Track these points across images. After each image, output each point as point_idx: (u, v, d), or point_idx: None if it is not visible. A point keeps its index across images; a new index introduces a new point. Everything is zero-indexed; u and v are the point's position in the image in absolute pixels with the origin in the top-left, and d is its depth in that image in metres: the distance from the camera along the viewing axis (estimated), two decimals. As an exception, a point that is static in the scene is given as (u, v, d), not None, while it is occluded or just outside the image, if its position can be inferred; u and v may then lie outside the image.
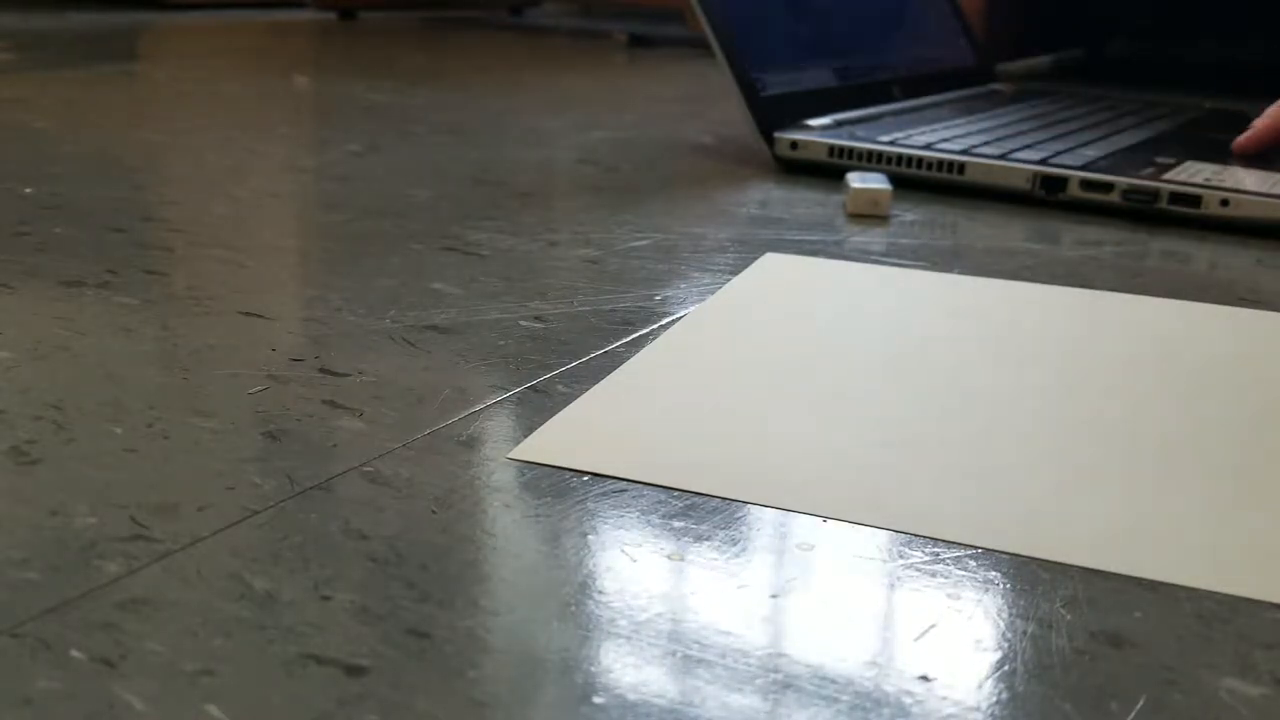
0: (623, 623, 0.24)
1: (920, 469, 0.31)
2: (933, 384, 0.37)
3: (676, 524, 0.28)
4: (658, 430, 0.33)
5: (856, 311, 0.44)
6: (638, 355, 0.38)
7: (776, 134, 0.72)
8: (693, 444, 0.32)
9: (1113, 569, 0.27)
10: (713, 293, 0.46)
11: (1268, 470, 0.32)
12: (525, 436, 0.32)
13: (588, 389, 0.36)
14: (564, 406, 0.34)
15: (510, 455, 0.31)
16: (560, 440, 0.32)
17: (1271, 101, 0.77)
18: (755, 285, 0.47)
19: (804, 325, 0.42)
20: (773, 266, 0.50)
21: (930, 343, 0.41)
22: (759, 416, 0.34)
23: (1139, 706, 0.22)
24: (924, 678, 0.23)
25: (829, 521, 0.28)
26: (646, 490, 0.29)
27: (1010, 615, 0.25)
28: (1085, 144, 0.75)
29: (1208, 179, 0.65)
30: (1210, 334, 0.44)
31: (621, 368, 0.37)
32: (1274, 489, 0.31)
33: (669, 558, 0.26)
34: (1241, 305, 0.48)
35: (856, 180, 0.62)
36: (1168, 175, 0.66)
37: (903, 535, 0.28)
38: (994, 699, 0.22)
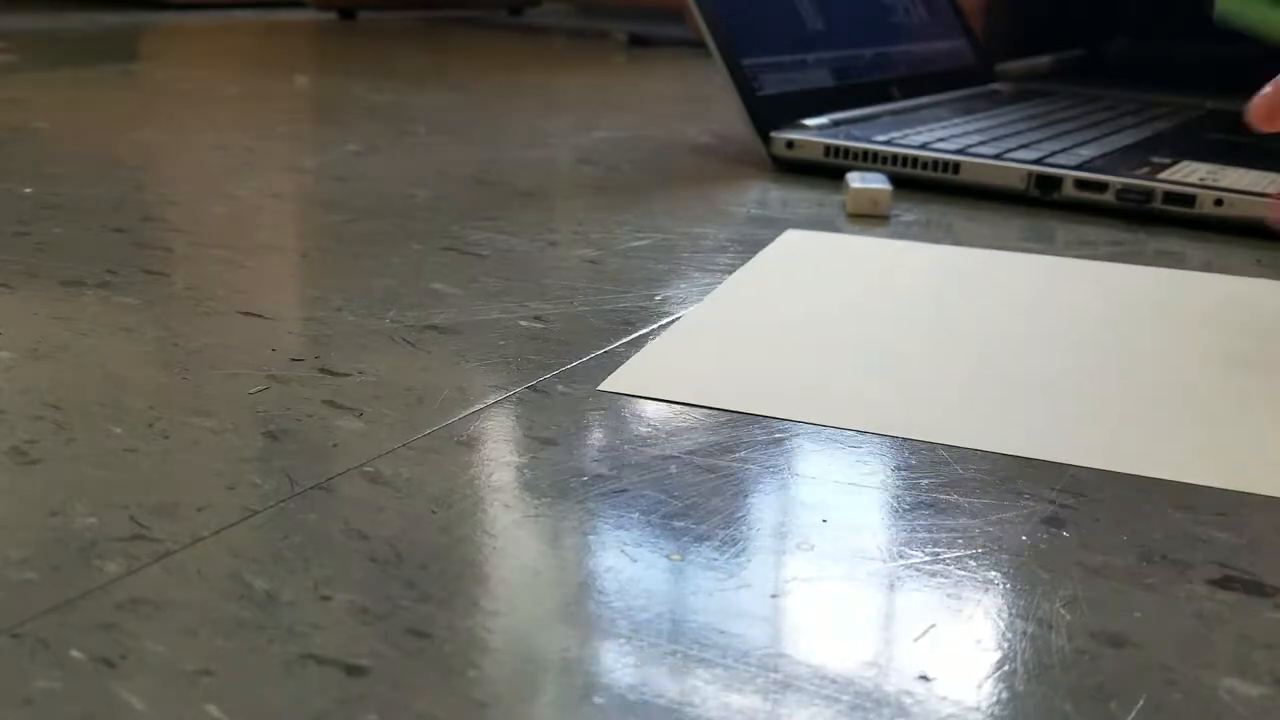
0: (623, 623, 0.24)
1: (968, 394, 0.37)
2: (962, 333, 0.43)
3: (676, 524, 0.28)
4: (731, 368, 0.38)
5: (872, 273, 0.49)
6: (687, 313, 0.42)
7: (773, 133, 0.72)
8: (764, 379, 0.37)
9: (1105, 467, 0.32)
10: (711, 292, 0.46)
11: (1237, 391, 0.38)
12: (525, 436, 0.32)
13: (589, 389, 0.36)
14: (564, 406, 0.34)
15: (600, 387, 0.36)
16: (644, 376, 0.37)
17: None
18: (782, 256, 0.51)
19: (835, 284, 0.47)
20: (795, 240, 0.54)
21: (953, 303, 0.46)
22: (808, 359, 0.39)
23: (1139, 706, 0.22)
24: (924, 678, 0.23)
25: (828, 521, 0.28)
26: (646, 490, 0.29)
27: (1010, 615, 0.25)
28: (1082, 144, 0.75)
29: (1202, 178, 0.65)
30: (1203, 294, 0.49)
31: (672, 327, 0.42)
32: (1240, 406, 0.35)
33: (669, 558, 0.26)
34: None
35: (856, 180, 0.62)
36: (1163, 175, 0.66)
37: (902, 535, 0.28)
38: (994, 699, 0.22)
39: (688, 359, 0.39)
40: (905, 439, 0.33)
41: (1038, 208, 0.67)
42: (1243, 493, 0.31)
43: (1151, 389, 0.38)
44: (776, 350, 0.40)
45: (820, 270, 0.49)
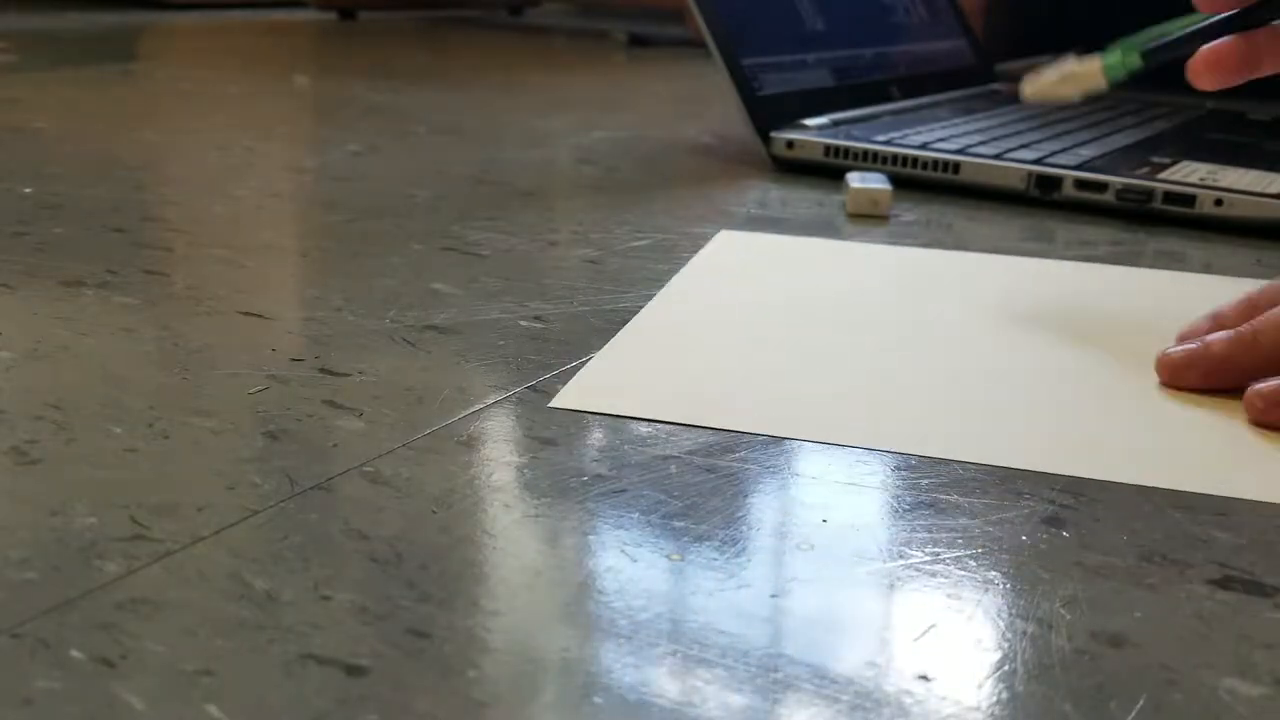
0: (623, 623, 0.24)
1: (926, 404, 0.36)
2: (904, 334, 0.42)
3: (676, 524, 0.28)
4: (681, 381, 0.37)
5: (813, 274, 0.49)
6: (628, 325, 0.40)
7: (773, 133, 0.72)
8: (715, 390, 0.36)
9: (1096, 476, 0.32)
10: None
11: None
12: (525, 436, 0.32)
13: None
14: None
15: (551, 404, 0.34)
16: (595, 389, 0.36)
17: (1273, 102, 0.77)
18: (717, 258, 0.51)
19: (774, 289, 0.47)
20: (729, 241, 0.54)
21: (890, 303, 0.46)
22: (760, 367, 0.38)
23: (1139, 706, 0.22)
24: (924, 678, 0.23)
25: (828, 521, 0.28)
26: (646, 490, 0.29)
27: (1010, 615, 0.25)
28: (1082, 143, 0.75)
29: (1202, 178, 0.65)
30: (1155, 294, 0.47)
31: (615, 339, 0.40)
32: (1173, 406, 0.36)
33: (669, 558, 0.26)
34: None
35: (856, 180, 0.62)
36: (1163, 175, 0.66)
37: (902, 535, 0.28)
38: (994, 699, 0.22)
39: (640, 370, 0.37)
40: (905, 439, 0.33)
41: (1038, 208, 0.67)
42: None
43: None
44: (724, 359, 0.39)
45: (762, 273, 0.49)
